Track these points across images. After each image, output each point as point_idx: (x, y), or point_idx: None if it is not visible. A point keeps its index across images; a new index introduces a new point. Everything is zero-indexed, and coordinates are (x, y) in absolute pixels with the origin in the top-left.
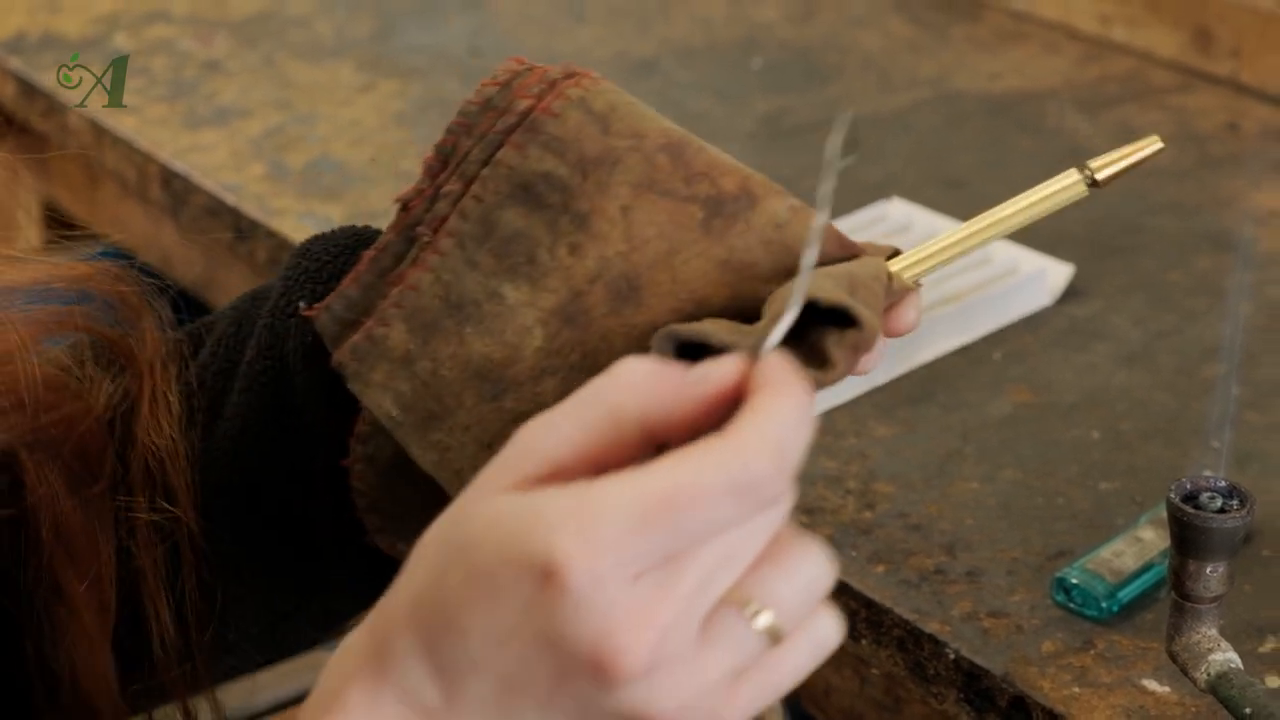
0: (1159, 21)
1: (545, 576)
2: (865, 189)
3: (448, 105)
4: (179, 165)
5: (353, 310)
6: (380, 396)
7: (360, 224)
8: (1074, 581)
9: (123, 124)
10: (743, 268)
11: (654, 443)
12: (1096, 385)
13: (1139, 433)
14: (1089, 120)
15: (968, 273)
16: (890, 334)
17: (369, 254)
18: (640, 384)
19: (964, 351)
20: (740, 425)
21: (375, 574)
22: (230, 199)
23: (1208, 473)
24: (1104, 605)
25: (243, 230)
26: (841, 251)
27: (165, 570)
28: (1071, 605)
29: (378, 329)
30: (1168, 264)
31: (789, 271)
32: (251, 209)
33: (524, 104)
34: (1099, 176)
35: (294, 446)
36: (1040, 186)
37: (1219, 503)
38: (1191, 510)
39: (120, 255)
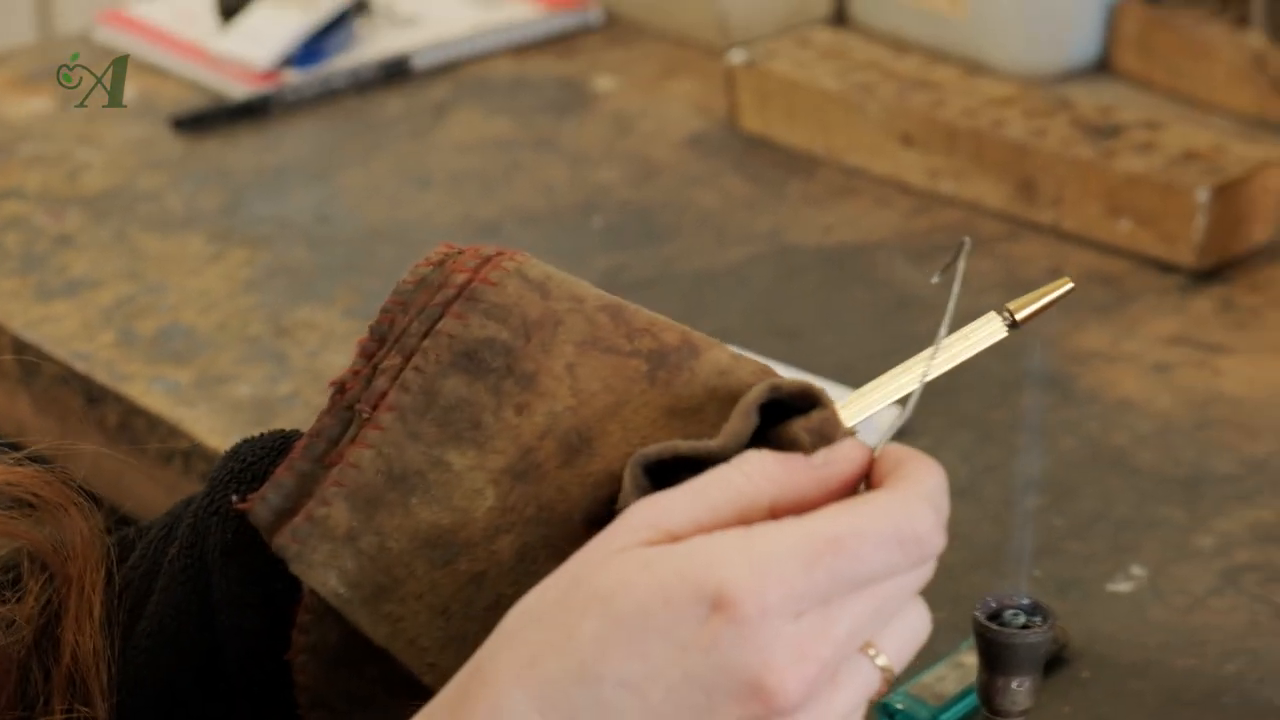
0: (985, 174)
1: (715, 607)
2: None
3: (295, 271)
4: (30, 336)
5: (289, 499)
6: (325, 575)
7: (211, 386)
8: (898, 706)
9: None
10: (689, 414)
11: None
12: None
13: (964, 563)
14: (918, 269)
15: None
16: None
17: (302, 441)
18: (772, 470)
19: None
20: (898, 482)
21: None
22: (80, 366)
23: (1012, 592)
24: None
25: (93, 396)
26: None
27: None
28: None
29: (318, 509)
30: (992, 403)
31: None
32: (101, 376)
33: (461, 277)
34: (1018, 317)
35: (211, 647)
36: (963, 330)
37: (1022, 619)
38: (995, 627)
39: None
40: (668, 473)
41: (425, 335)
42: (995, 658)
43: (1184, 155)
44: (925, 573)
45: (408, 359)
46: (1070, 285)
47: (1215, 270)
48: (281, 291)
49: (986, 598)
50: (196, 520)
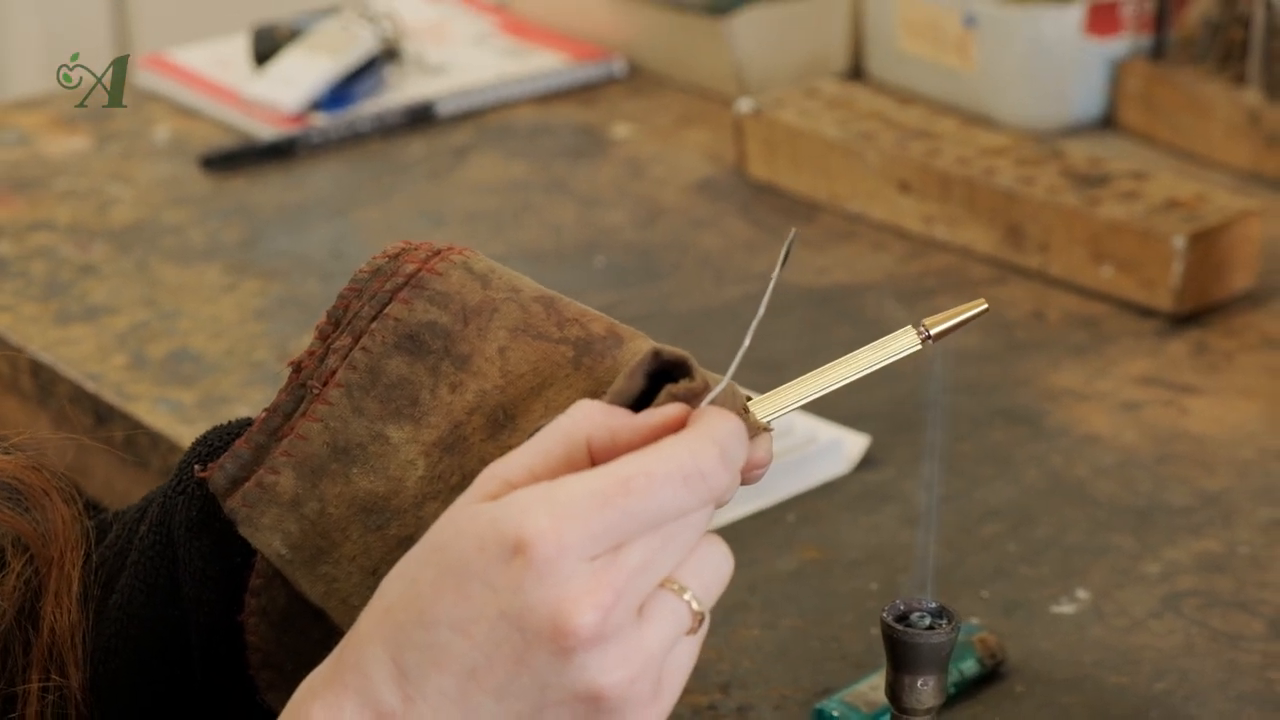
0: (976, 220)
1: (515, 550)
2: None
3: (305, 302)
4: (46, 357)
5: (245, 469)
6: (270, 538)
7: (213, 407)
8: (833, 713)
9: None
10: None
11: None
12: (880, 543)
13: (914, 584)
14: (906, 309)
15: None
16: (751, 466)
17: (261, 415)
18: (596, 417)
19: (760, 515)
20: (690, 429)
21: None
22: (91, 386)
23: (919, 596)
24: None
25: (101, 415)
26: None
27: None
28: None
29: (268, 477)
30: (961, 437)
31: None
32: (110, 396)
33: (410, 267)
34: (932, 332)
35: (177, 619)
36: (879, 341)
37: (928, 621)
38: (902, 628)
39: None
40: None
41: (374, 318)
42: (901, 657)
43: (1166, 204)
44: (707, 514)
45: (357, 339)
46: (984, 306)
47: (1193, 315)
48: (290, 320)
49: (896, 601)
50: (165, 499)
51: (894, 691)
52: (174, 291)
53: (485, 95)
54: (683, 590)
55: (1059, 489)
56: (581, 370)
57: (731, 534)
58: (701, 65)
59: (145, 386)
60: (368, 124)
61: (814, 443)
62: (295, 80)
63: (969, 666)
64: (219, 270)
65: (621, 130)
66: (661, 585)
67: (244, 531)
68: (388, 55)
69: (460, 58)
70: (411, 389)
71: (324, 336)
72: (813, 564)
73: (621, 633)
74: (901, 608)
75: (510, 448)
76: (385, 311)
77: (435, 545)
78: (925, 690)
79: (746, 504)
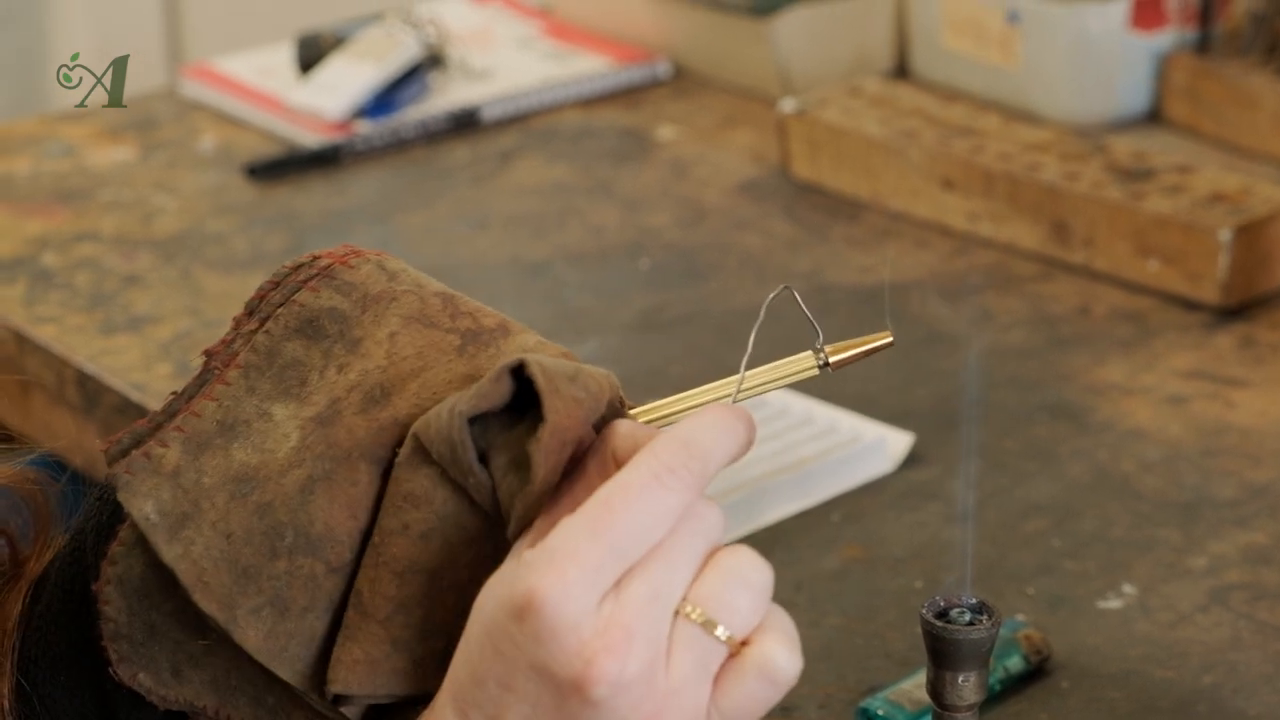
0: (1020, 217)
1: (525, 608)
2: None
3: None
4: (91, 368)
5: (139, 442)
6: (143, 503)
7: None
8: (878, 712)
9: (43, 333)
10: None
11: None
12: (924, 540)
13: (959, 582)
14: (949, 306)
15: (811, 442)
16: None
17: (168, 397)
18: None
19: (805, 514)
20: (650, 441)
21: None
22: (136, 396)
23: (961, 592)
24: None
25: None
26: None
27: None
28: None
29: (156, 449)
30: (1004, 432)
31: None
32: (155, 405)
33: (326, 261)
34: (831, 360)
35: (90, 618)
36: (778, 362)
37: (968, 617)
38: (941, 625)
39: (49, 464)
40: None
41: (282, 304)
42: (941, 654)
43: (1211, 197)
44: (703, 526)
45: (263, 324)
46: (890, 340)
47: (1240, 308)
48: None
49: (935, 597)
50: (86, 507)
51: (935, 688)
52: (218, 300)
53: (530, 100)
54: (701, 615)
55: (1104, 483)
56: (465, 356)
57: (775, 533)
58: (745, 66)
59: None
60: (412, 130)
61: (858, 441)
62: (339, 88)
63: (1014, 663)
64: (262, 278)
65: (666, 132)
66: (679, 613)
67: (122, 497)
68: (432, 61)
69: (504, 62)
70: (303, 371)
71: (238, 325)
72: (857, 562)
73: (646, 672)
74: (941, 604)
75: (378, 419)
76: (294, 298)
77: (480, 606)
78: (966, 686)
79: (791, 503)
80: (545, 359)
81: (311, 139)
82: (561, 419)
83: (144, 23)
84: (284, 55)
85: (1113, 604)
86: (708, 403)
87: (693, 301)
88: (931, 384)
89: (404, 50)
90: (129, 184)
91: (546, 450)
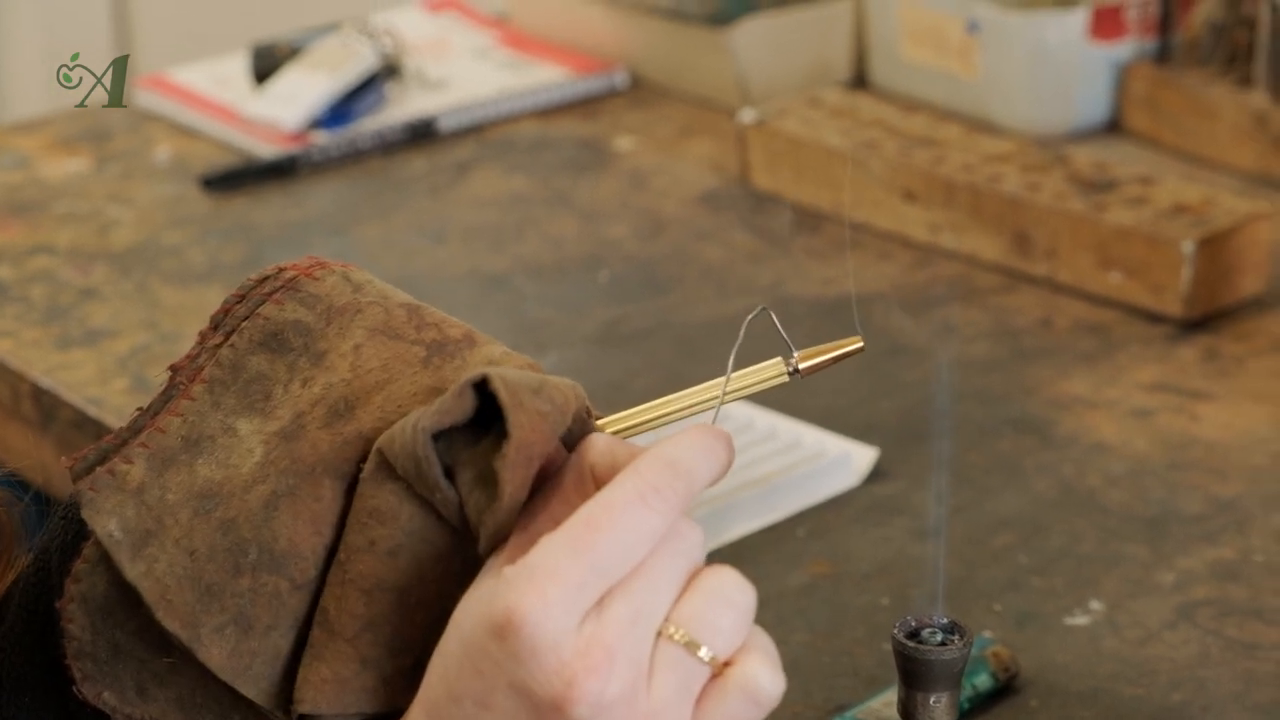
0: (982, 228)
1: (505, 626)
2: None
3: None
4: (47, 382)
5: (104, 458)
6: (106, 520)
7: None
8: None
9: None
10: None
11: None
12: (890, 556)
13: (926, 597)
14: (912, 319)
15: (775, 457)
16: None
17: (133, 413)
18: (596, 441)
19: (770, 530)
20: (631, 461)
21: None
22: (93, 411)
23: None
24: None
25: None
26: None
27: None
28: None
29: (120, 465)
30: (969, 446)
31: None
32: (112, 420)
33: (291, 273)
34: (801, 367)
35: (55, 637)
36: (748, 369)
37: (940, 637)
38: (913, 645)
39: (13, 484)
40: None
41: (247, 318)
42: (913, 674)
43: (1173, 209)
44: (684, 547)
45: (228, 338)
46: (860, 345)
47: (1203, 320)
48: None
49: (906, 617)
50: (51, 524)
51: (906, 709)
52: (175, 314)
53: (486, 110)
54: (685, 636)
55: (1070, 498)
56: (430, 368)
57: (741, 549)
58: (703, 76)
59: None
60: (369, 141)
61: (823, 456)
62: (295, 98)
63: (982, 681)
64: (220, 291)
65: (624, 143)
66: (661, 634)
67: (86, 515)
68: (388, 71)
69: (461, 72)
70: (267, 385)
71: (203, 339)
72: (823, 578)
73: (627, 693)
74: (913, 624)
75: (342, 433)
76: (258, 311)
77: (457, 623)
78: (938, 707)
79: (756, 519)
80: (509, 372)
81: (267, 150)
82: (526, 434)
83: (94, 34)
84: (239, 65)
85: (1080, 621)
86: (674, 411)
87: (653, 314)
88: (895, 397)
89: (360, 61)
90: (84, 196)
91: (512, 466)
